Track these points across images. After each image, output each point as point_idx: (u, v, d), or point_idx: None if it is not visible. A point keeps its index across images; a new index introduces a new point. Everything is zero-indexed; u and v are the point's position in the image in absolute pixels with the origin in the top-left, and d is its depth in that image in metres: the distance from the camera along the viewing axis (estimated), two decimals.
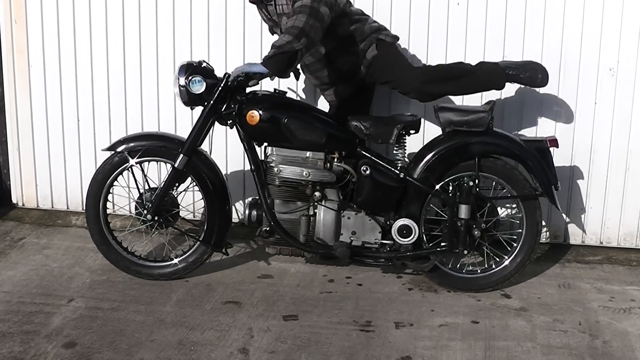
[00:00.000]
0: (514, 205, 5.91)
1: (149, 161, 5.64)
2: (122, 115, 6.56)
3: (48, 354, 4.66)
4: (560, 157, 6.11)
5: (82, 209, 6.07)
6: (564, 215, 6.26)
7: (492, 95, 6.05)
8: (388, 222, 5.48)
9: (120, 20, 6.42)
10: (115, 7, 6.40)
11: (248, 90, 5.38)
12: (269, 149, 5.47)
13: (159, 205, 5.51)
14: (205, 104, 5.31)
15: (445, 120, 5.43)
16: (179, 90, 5.29)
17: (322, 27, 5.13)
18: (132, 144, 5.58)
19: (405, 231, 5.41)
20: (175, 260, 5.68)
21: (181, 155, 5.39)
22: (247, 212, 5.59)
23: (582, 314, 5.29)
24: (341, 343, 4.86)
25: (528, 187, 5.49)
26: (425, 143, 5.60)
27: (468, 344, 4.88)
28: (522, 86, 6.04)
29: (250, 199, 5.64)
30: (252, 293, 5.51)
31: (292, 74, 5.73)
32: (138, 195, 5.60)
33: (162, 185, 5.49)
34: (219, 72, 5.38)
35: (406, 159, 5.52)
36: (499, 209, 5.74)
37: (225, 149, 6.38)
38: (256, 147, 5.48)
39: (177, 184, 5.53)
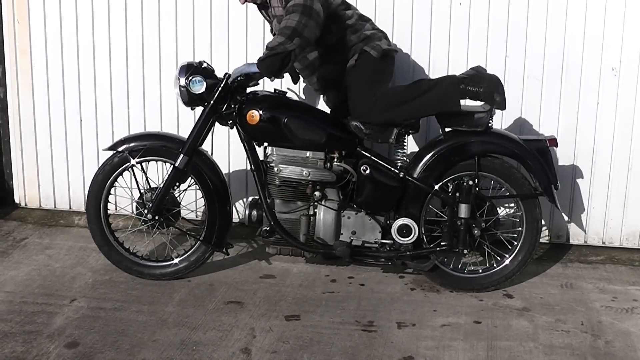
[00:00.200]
0: (514, 205, 5.89)
1: (149, 161, 5.64)
2: (125, 115, 6.57)
3: (50, 354, 4.66)
4: (562, 157, 6.11)
5: (85, 209, 6.07)
6: (567, 215, 6.25)
7: None
8: (388, 222, 5.48)
9: (122, 20, 6.42)
10: (118, 7, 6.40)
11: (248, 90, 5.40)
12: (269, 149, 5.47)
13: (160, 205, 5.52)
14: (206, 104, 5.32)
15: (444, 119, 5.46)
16: (180, 91, 5.31)
17: (317, 24, 5.13)
18: (132, 144, 5.59)
19: (405, 231, 5.41)
20: (177, 260, 5.68)
21: (181, 155, 5.39)
22: (247, 211, 5.59)
23: (584, 314, 5.29)
24: (343, 343, 4.86)
25: (528, 186, 5.49)
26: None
27: (470, 344, 4.88)
28: (524, 85, 6.04)
29: (250, 198, 5.64)
30: (254, 293, 5.51)
31: (290, 76, 5.75)
32: (139, 195, 5.60)
33: (162, 184, 5.50)
34: (220, 73, 5.38)
35: (406, 159, 5.52)
36: (498, 208, 5.73)
37: (228, 148, 6.38)
38: (256, 147, 5.48)
39: (177, 184, 5.53)
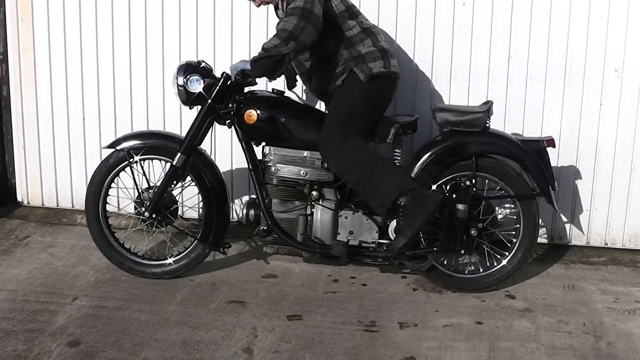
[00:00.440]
0: (512, 204, 5.87)
1: (148, 159, 5.64)
2: (128, 114, 6.57)
3: (52, 352, 4.67)
4: (565, 158, 6.11)
5: (85, 211, 6.06)
6: (569, 216, 6.25)
7: (493, 95, 6.05)
8: (385, 222, 5.45)
9: (126, 19, 6.42)
10: (121, 6, 6.41)
11: (246, 90, 5.39)
12: (266, 149, 5.48)
13: (157, 203, 5.52)
14: (204, 103, 5.34)
15: (442, 120, 5.45)
16: (178, 90, 5.34)
17: (315, 29, 5.08)
18: (131, 143, 5.59)
19: None
20: (173, 259, 5.68)
21: (179, 154, 5.40)
22: (244, 211, 5.60)
23: (586, 315, 5.29)
24: (345, 343, 4.86)
25: (525, 186, 5.49)
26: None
27: (472, 344, 4.88)
28: (527, 86, 6.04)
29: (248, 198, 5.64)
30: (256, 292, 5.51)
31: (286, 80, 5.74)
32: (137, 194, 5.60)
33: (160, 183, 5.50)
34: (222, 72, 5.38)
35: (404, 159, 5.51)
36: (497, 208, 5.72)
37: (231, 146, 6.38)
38: (254, 146, 5.49)
39: (175, 182, 5.54)
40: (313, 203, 5.47)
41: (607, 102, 6.02)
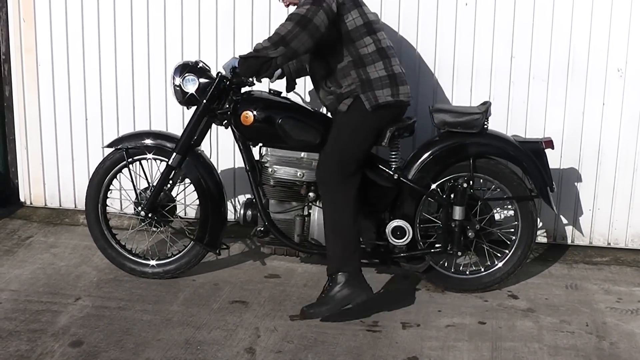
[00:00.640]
0: (509, 203, 5.84)
1: (145, 159, 5.62)
2: (130, 114, 6.57)
3: (55, 352, 4.67)
4: (567, 158, 6.11)
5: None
6: (572, 216, 6.25)
7: (495, 94, 6.05)
8: (383, 223, 5.44)
9: (128, 19, 6.42)
10: (123, 6, 6.41)
11: (243, 90, 5.36)
12: (263, 149, 5.46)
13: (154, 203, 5.52)
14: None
15: (439, 121, 5.42)
16: (175, 90, 5.32)
17: (311, 38, 4.96)
18: (129, 143, 5.60)
19: (399, 232, 5.37)
20: (171, 259, 5.69)
21: (174, 153, 5.40)
22: (241, 211, 5.57)
23: (589, 315, 5.28)
24: (348, 343, 4.86)
25: (520, 184, 5.48)
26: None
27: (475, 344, 4.88)
28: (530, 85, 6.04)
29: (245, 198, 5.62)
30: (259, 292, 5.51)
31: (286, 82, 5.70)
32: (135, 194, 5.59)
33: (156, 182, 5.50)
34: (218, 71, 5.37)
35: (401, 160, 5.46)
36: (495, 209, 5.69)
37: (233, 146, 6.35)
38: (251, 147, 5.46)
39: (171, 182, 5.53)
40: (310, 204, 5.44)
41: (610, 101, 6.01)
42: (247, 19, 6.27)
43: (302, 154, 5.39)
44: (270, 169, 5.39)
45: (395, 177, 5.38)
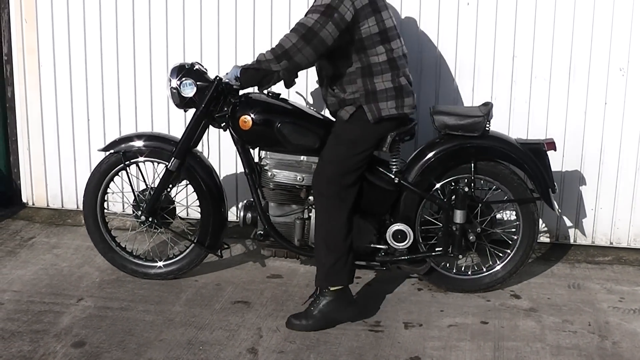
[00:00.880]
0: (510, 205, 5.82)
1: (143, 162, 5.61)
2: (132, 115, 6.57)
3: (57, 353, 4.67)
4: (569, 157, 6.10)
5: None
6: (574, 216, 6.24)
7: (497, 94, 6.05)
8: (384, 225, 5.40)
9: (130, 20, 6.42)
10: (125, 6, 6.41)
11: (241, 92, 5.30)
12: (262, 152, 5.40)
13: (153, 206, 5.51)
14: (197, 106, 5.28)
15: (440, 123, 5.36)
16: (171, 93, 5.27)
17: (316, 52, 4.88)
18: (125, 145, 5.57)
19: (400, 236, 5.34)
20: (167, 262, 5.69)
21: (173, 158, 5.37)
22: (241, 213, 5.52)
23: (591, 314, 5.28)
24: (350, 343, 4.86)
25: (520, 184, 5.44)
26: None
27: (477, 344, 4.88)
28: (531, 85, 6.03)
29: (244, 201, 5.59)
30: (261, 293, 5.51)
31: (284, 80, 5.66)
32: (133, 197, 5.60)
33: (155, 186, 5.50)
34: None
35: (402, 164, 5.42)
36: (498, 212, 5.66)
37: (235, 148, 6.37)
38: (250, 149, 5.43)
39: (170, 186, 5.53)
40: (310, 207, 5.39)
41: (612, 101, 6.01)
42: (249, 19, 6.27)
43: (302, 157, 5.34)
44: (269, 173, 5.35)
45: (396, 181, 5.34)
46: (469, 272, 5.60)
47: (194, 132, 5.36)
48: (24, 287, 5.53)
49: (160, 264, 5.67)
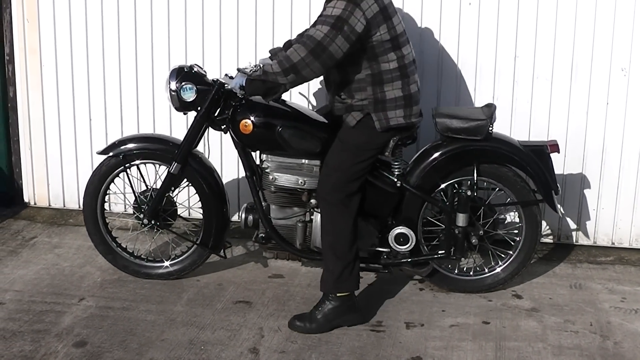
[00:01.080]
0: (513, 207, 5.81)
1: (142, 164, 5.60)
2: (134, 115, 6.57)
3: (58, 353, 4.67)
4: (571, 158, 6.10)
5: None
6: (576, 216, 6.24)
7: (499, 94, 6.05)
8: (386, 228, 5.38)
9: (132, 20, 6.43)
10: (127, 7, 6.41)
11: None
12: (263, 155, 5.36)
13: (155, 209, 5.51)
14: (199, 108, 5.25)
15: (442, 127, 5.32)
16: (170, 95, 5.23)
17: (324, 66, 4.79)
18: (125, 147, 5.55)
19: (402, 239, 5.30)
20: (170, 262, 5.68)
21: (175, 163, 5.36)
22: (243, 215, 5.48)
23: (593, 314, 5.28)
24: (352, 343, 4.86)
25: (524, 187, 5.41)
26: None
27: (479, 344, 4.88)
28: (533, 85, 6.03)
29: (246, 203, 5.56)
30: (263, 293, 5.51)
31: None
32: (134, 199, 5.59)
33: (157, 190, 5.49)
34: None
35: (404, 167, 5.39)
36: (498, 210, 5.65)
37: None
38: (251, 151, 5.40)
39: (172, 188, 5.52)
40: (312, 210, 5.37)
41: (614, 101, 6.01)
42: (251, 20, 6.27)
43: (303, 161, 5.29)
44: (270, 176, 5.30)
45: (398, 185, 5.31)
46: (471, 273, 5.59)
47: (195, 136, 5.35)
48: (25, 286, 5.53)
49: (163, 264, 5.67)
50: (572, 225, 6.28)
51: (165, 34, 6.41)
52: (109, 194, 5.67)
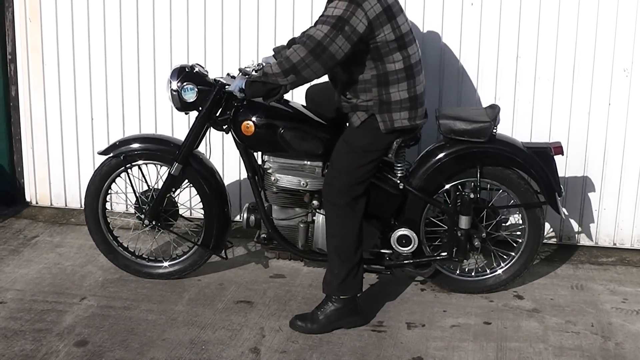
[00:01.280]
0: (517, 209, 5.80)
1: (143, 164, 5.60)
2: (136, 114, 6.58)
3: (59, 352, 4.68)
4: (573, 158, 6.10)
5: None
6: (578, 217, 6.24)
7: (501, 95, 6.05)
8: (388, 230, 5.36)
9: (134, 19, 6.43)
10: (129, 6, 6.41)
11: None
12: (265, 156, 5.35)
13: (156, 210, 5.51)
14: (200, 108, 5.24)
15: (446, 128, 5.28)
16: (171, 95, 5.22)
17: (325, 67, 4.74)
18: (126, 148, 5.55)
19: (404, 241, 5.29)
20: (176, 260, 5.68)
21: (176, 163, 5.36)
22: (245, 215, 5.47)
23: (594, 315, 5.28)
24: (353, 343, 4.86)
25: (528, 189, 5.39)
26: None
27: (480, 344, 4.88)
28: (535, 85, 6.03)
29: (248, 203, 5.55)
30: (264, 292, 5.51)
31: None
32: (135, 199, 5.59)
33: (158, 190, 5.49)
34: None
35: (407, 168, 5.37)
36: (501, 212, 5.64)
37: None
38: (253, 152, 5.39)
39: (173, 189, 5.52)
40: (314, 211, 5.36)
41: (616, 101, 6.00)
42: (253, 20, 6.27)
43: (306, 162, 5.28)
44: (273, 177, 5.29)
45: (401, 187, 5.29)
46: (472, 274, 5.58)
47: (197, 136, 5.35)
48: (26, 286, 5.54)
49: (164, 264, 5.67)
50: (574, 226, 6.27)
51: (167, 33, 6.41)
52: (110, 193, 5.67)
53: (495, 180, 5.39)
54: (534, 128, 6.11)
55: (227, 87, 5.11)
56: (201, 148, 5.52)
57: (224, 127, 5.31)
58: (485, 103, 6.03)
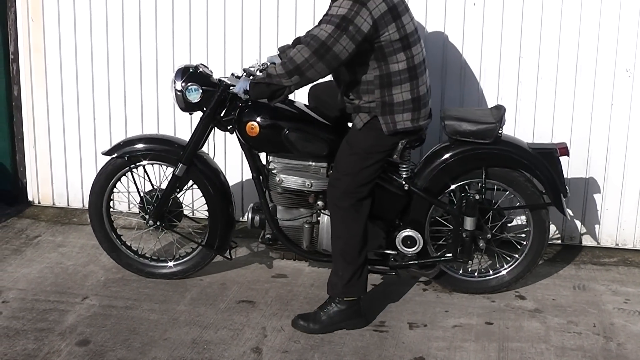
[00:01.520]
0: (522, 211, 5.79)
1: (147, 165, 5.60)
2: (138, 114, 6.58)
3: (61, 351, 4.68)
4: (575, 159, 6.09)
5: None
6: (580, 217, 6.23)
7: (503, 95, 6.04)
8: (393, 230, 5.35)
9: (136, 19, 6.43)
10: (131, 6, 6.42)
11: None
12: (270, 156, 5.34)
13: (160, 211, 5.51)
14: (204, 109, 5.23)
15: (451, 130, 5.26)
16: (176, 95, 5.21)
17: (328, 67, 4.70)
18: (130, 148, 5.54)
19: (409, 242, 5.28)
20: (180, 260, 5.68)
21: (180, 164, 5.35)
22: (249, 215, 5.47)
23: (596, 315, 5.27)
24: (354, 343, 4.86)
25: (535, 192, 5.37)
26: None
27: (482, 345, 4.88)
28: (537, 86, 6.03)
29: (252, 203, 5.55)
30: (266, 292, 5.51)
31: None
32: (140, 199, 5.59)
33: (163, 191, 5.49)
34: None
35: (412, 170, 5.35)
36: (507, 214, 5.62)
37: (241, 151, 6.37)
38: (257, 152, 5.38)
39: (178, 190, 5.51)
40: (319, 212, 5.35)
41: (618, 102, 6.00)
42: (255, 19, 6.28)
43: (310, 162, 5.26)
44: (277, 178, 5.28)
45: (406, 188, 5.27)
46: (476, 274, 5.58)
47: (201, 136, 5.34)
48: (29, 285, 5.54)
49: (167, 264, 5.67)
50: (576, 226, 6.27)
51: (169, 33, 6.41)
52: (114, 192, 5.67)
53: (501, 182, 5.37)
54: (537, 128, 6.10)
55: (231, 88, 5.08)
56: (205, 148, 5.52)
57: (229, 127, 5.29)
58: (488, 103, 6.03)
